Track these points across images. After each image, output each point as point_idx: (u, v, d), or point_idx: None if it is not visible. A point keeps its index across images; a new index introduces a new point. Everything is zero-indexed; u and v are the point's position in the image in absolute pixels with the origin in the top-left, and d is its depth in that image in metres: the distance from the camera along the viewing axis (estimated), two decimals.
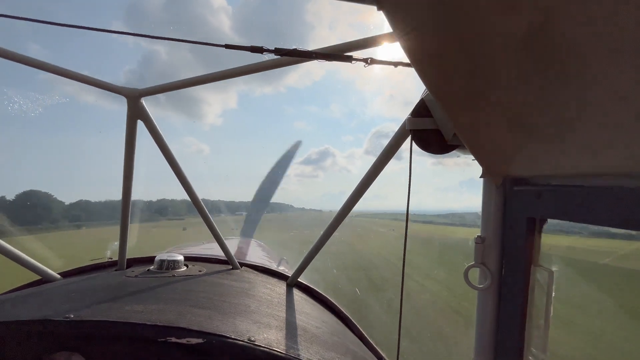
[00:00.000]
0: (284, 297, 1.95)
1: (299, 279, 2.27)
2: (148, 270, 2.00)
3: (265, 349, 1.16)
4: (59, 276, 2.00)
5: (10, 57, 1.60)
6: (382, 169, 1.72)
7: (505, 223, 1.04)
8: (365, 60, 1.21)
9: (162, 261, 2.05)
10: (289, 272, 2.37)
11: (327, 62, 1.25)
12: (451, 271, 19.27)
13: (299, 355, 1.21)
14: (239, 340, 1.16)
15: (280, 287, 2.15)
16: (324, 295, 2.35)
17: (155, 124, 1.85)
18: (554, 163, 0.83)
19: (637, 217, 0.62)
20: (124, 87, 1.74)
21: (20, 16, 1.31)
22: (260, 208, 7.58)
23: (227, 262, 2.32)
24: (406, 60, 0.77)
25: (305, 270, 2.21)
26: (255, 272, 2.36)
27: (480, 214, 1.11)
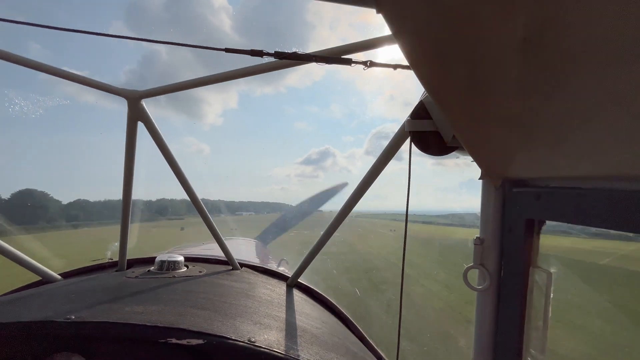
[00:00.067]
0: (284, 297, 1.95)
1: (299, 280, 2.28)
2: (148, 271, 2.01)
3: (265, 349, 1.16)
4: (59, 277, 2.00)
5: (10, 59, 1.61)
6: (382, 169, 1.73)
7: (504, 224, 1.04)
8: (364, 63, 1.21)
9: (162, 262, 2.06)
10: (289, 273, 2.37)
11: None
12: (451, 271, 19.29)
13: (299, 356, 1.21)
14: (239, 341, 1.17)
15: (281, 287, 2.15)
16: (324, 296, 2.35)
17: (156, 125, 1.85)
18: (553, 165, 0.83)
19: (634, 219, 0.62)
20: (124, 89, 1.75)
21: (22, 21, 1.31)
22: (278, 230, 7.45)
23: (227, 262, 2.32)
24: (405, 62, 0.78)
25: (306, 271, 2.22)
26: (256, 272, 2.36)
27: (480, 215, 1.12)
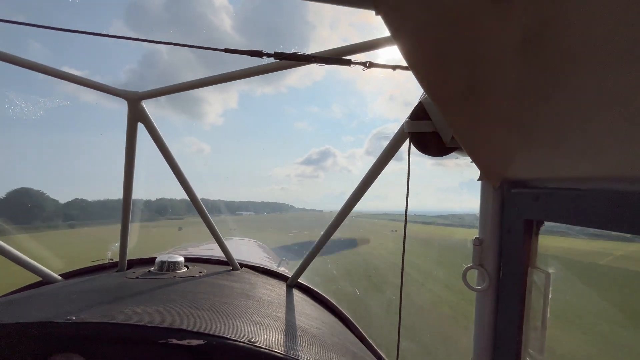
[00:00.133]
0: (284, 298, 1.95)
1: (299, 280, 2.28)
2: (149, 271, 2.01)
3: (265, 350, 1.17)
4: (59, 277, 2.00)
5: (10, 61, 1.61)
6: (382, 170, 1.73)
7: (502, 225, 1.04)
8: (363, 64, 1.22)
9: (162, 262, 2.06)
10: (289, 273, 2.38)
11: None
12: (451, 272, 19.30)
13: (299, 356, 1.21)
14: (240, 341, 1.17)
15: (281, 288, 2.15)
16: (324, 296, 2.35)
17: (156, 126, 1.86)
18: (551, 166, 0.84)
19: (633, 219, 0.62)
20: (124, 91, 1.75)
21: (22, 21, 1.32)
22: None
23: (227, 263, 2.33)
24: (405, 63, 0.78)
25: (306, 271, 2.22)
26: (256, 273, 2.36)
27: (479, 215, 1.12)
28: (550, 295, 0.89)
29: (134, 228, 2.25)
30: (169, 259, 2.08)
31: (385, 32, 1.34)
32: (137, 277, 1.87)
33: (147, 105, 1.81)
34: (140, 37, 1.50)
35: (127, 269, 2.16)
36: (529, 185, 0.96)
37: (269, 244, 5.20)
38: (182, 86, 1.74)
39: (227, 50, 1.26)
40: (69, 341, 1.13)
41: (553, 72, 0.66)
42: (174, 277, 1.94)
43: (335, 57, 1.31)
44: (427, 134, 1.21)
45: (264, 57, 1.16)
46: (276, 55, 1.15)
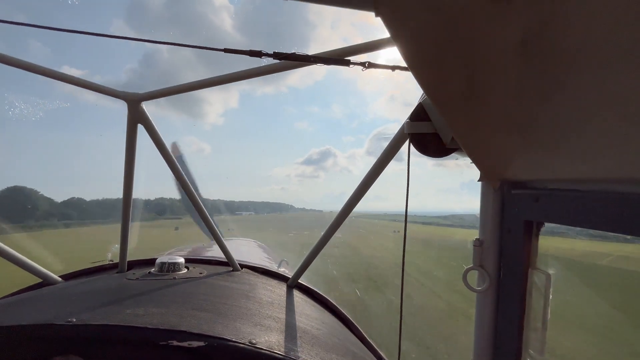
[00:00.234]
0: (285, 298, 1.95)
1: (299, 280, 2.28)
2: (149, 272, 2.01)
3: (266, 351, 1.17)
4: (60, 279, 2.00)
5: (10, 63, 1.61)
6: (382, 171, 1.73)
7: (503, 226, 1.04)
8: (362, 64, 1.22)
9: (162, 264, 2.06)
10: (290, 274, 2.37)
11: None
12: (451, 272, 19.31)
13: (299, 357, 1.21)
14: (240, 342, 1.17)
15: (281, 288, 2.15)
16: (324, 297, 2.35)
17: (156, 127, 1.86)
18: (551, 167, 0.84)
19: (632, 221, 0.62)
20: (124, 92, 1.75)
21: (22, 22, 1.32)
22: None
23: (228, 263, 2.32)
24: (404, 64, 0.78)
25: (306, 272, 2.22)
26: (256, 273, 2.36)
27: (479, 216, 1.12)
28: (550, 296, 0.89)
29: (133, 227, 2.25)
30: (169, 260, 2.08)
31: (386, 33, 1.34)
32: (137, 279, 1.87)
33: (147, 106, 1.81)
34: (140, 37, 1.50)
35: (127, 270, 2.16)
36: (529, 186, 0.96)
37: (269, 244, 5.20)
38: (181, 88, 1.74)
39: (226, 50, 1.26)
40: (69, 343, 1.13)
41: (553, 73, 0.66)
42: (175, 278, 1.93)
43: (335, 57, 1.31)
44: (427, 134, 1.21)
45: (263, 57, 1.16)
46: (275, 55, 1.16)
